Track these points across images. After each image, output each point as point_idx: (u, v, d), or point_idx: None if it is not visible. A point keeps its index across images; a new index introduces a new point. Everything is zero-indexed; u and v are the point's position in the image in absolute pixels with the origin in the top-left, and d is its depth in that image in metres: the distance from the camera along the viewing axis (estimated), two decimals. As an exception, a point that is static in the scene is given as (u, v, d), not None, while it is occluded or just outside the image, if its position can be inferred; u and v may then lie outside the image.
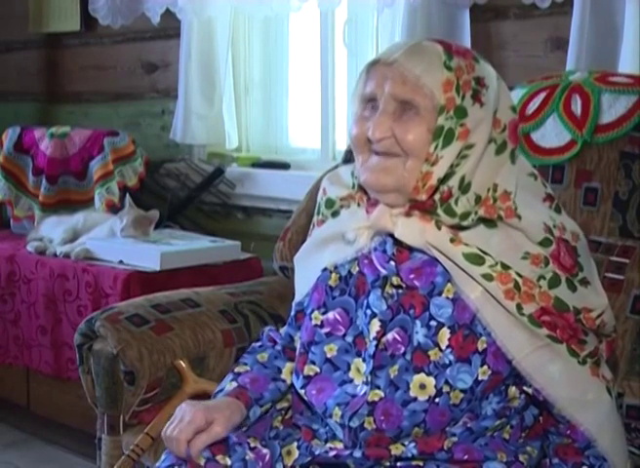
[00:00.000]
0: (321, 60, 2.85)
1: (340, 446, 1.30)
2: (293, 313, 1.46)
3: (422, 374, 1.25)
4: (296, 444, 1.33)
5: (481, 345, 1.26)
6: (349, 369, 1.31)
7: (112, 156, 3.03)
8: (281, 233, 2.12)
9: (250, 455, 1.31)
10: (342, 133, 2.85)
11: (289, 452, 1.33)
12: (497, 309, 1.26)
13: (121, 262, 2.59)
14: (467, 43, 2.33)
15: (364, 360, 1.30)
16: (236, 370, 1.44)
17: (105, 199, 3.01)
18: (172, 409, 1.62)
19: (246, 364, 1.45)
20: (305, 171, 2.88)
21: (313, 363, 1.34)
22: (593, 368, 1.29)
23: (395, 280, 1.29)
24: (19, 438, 2.92)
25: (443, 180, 1.25)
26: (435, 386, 1.25)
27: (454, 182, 1.25)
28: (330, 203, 1.42)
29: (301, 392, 1.35)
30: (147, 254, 2.55)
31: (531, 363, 1.26)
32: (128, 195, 2.77)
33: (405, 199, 1.28)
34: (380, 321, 1.28)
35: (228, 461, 1.29)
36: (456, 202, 1.26)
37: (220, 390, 1.40)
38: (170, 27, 3.13)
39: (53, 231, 2.90)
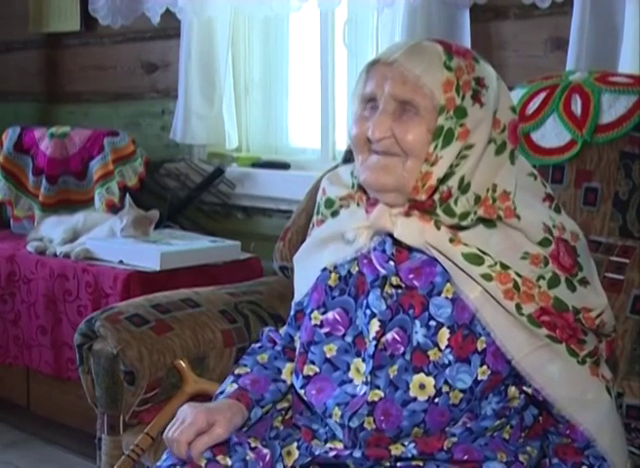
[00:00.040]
0: (321, 60, 2.85)
1: (339, 446, 1.30)
2: (292, 313, 1.46)
3: (422, 374, 1.25)
4: (296, 444, 1.33)
5: (480, 345, 1.26)
6: (349, 369, 1.31)
7: (112, 156, 3.03)
8: (281, 233, 2.12)
9: (250, 455, 1.31)
10: (342, 133, 2.85)
11: (289, 453, 1.33)
12: (496, 309, 1.26)
13: (121, 262, 2.59)
14: (467, 43, 2.33)
15: (363, 360, 1.30)
16: (236, 371, 1.43)
17: (105, 199, 3.01)
18: (172, 410, 1.63)
19: (246, 365, 1.45)
20: (305, 171, 2.88)
21: (313, 363, 1.34)
22: (593, 367, 1.29)
23: (394, 280, 1.29)
24: (19, 438, 2.92)
25: (442, 180, 1.25)
26: (435, 386, 1.25)
27: (453, 182, 1.25)
28: (329, 203, 1.42)
29: (301, 392, 1.35)
30: (147, 254, 2.55)
31: (530, 363, 1.26)
32: (128, 195, 2.77)
33: (404, 199, 1.28)
34: (380, 321, 1.28)
35: (229, 461, 1.29)
36: (455, 202, 1.26)
37: (221, 392, 1.40)
38: (170, 27, 3.13)
39: (53, 231, 2.90)
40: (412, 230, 1.28)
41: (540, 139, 1.77)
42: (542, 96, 1.79)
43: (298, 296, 1.45)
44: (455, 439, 1.27)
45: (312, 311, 1.36)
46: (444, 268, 1.27)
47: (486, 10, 2.39)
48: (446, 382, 1.25)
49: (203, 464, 1.28)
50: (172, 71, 3.21)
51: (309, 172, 2.79)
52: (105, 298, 2.54)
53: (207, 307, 1.90)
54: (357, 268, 1.34)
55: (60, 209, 3.09)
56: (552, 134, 1.76)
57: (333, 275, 1.36)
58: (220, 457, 1.29)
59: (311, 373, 1.34)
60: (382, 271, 1.30)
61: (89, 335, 1.80)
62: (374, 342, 1.28)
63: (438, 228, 1.27)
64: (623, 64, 2.09)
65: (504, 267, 1.26)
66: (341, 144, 2.84)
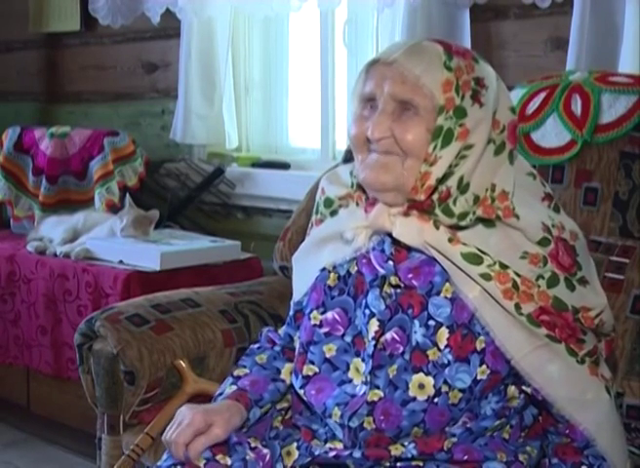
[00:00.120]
0: (321, 60, 2.85)
1: (339, 446, 1.30)
2: (292, 313, 1.46)
3: (421, 374, 1.25)
4: (295, 444, 1.33)
5: (480, 345, 1.26)
6: (348, 368, 1.31)
7: (112, 156, 3.03)
8: (281, 233, 2.12)
9: (250, 455, 1.31)
10: (342, 133, 2.85)
11: (289, 453, 1.33)
12: (495, 309, 1.25)
13: (121, 262, 2.59)
14: (467, 43, 2.34)
15: (363, 360, 1.30)
16: (235, 373, 1.43)
17: (105, 199, 3.01)
18: (172, 410, 1.63)
19: (245, 366, 1.44)
20: (305, 171, 2.88)
21: (312, 363, 1.34)
22: (592, 367, 1.29)
23: (393, 279, 1.29)
24: (19, 438, 2.92)
25: (442, 180, 1.25)
26: (434, 386, 1.25)
27: (452, 182, 1.25)
28: (328, 202, 1.42)
29: (301, 392, 1.35)
30: (147, 254, 2.56)
31: (530, 362, 1.26)
32: (128, 195, 2.77)
33: (403, 198, 1.28)
34: (379, 320, 1.28)
35: (229, 461, 1.29)
36: (454, 202, 1.26)
37: (220, 394, 1.40)
38: (170, 27, 3.13)
39: (53, 231, 2.90)
40: (411, 230, 1.27)
41: (541, 139, 1.77)
42: (542, 95, 1.80)
43: (297, 296, 1.45)
44: (455, 439, 1.27)
45: (311, 311, 1.36)
46: (443, 268, 1.27)
47: (486, 10, 2.39)
48: (445, 382, 1.25)
49: (202, 464, 1.28)
50: (172, 71, 3.21)
51: (309, 172, 2.79)
52: (105, 298, 2.54)
53: (207, 307, 1.90)
54: (356, 268, 1.34)
55: (59, 209, 3.09)
56: (552, 133, 1.76)
57: (332, 275, 1.36)
58: (219, 457, 1.29)
59: (311, 373, 1.34)
60: (381, 271, 1.29)
61: (89, 335, 1.80)
62: (373, 342, 1.28)
63: (437, 228, 1.27)
64: (623, 64, 2.09)
65: (503, 267, 1.26)
66: (341, 144, 2.84)
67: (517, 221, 1.27)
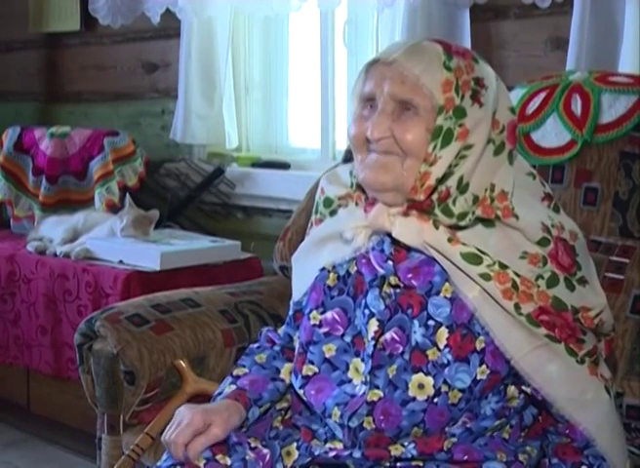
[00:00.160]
0: (321, 60, 2.85)
1: (339, 446, 1.30)
2: (291, 313, 1.46)
3: (421, 374, 1.25)
4: (295, 444, 1.33)
5: (479, 345, 1.26)
6: (348, 368, 1.31)
7: (112, 156, 3.03)
8: (281, 233, 2.12)
9: (250, 455, 1.31)
10: (342, 133, 2.85)
11: (288, 453, 1.33)
12: (495, 309, 1.25)
13: (121, 262, 2.59)
14: (467, 43, 2.34)
15: (362, 360, 1.30)
16: (235, 373, 1.43)
17: (105, 199, 3.01)
18: (172, 409, 1.63)
19: (244, 366, 1.44)
20: (305, 171, 2.88)
21: (312, 363, 1.34)
22: (592, 367, 1.29)
23: (393, 279, 1.29)
24: (19, 438, 2.92)
25: (441, 180, 1.25)
26: (434, 386, 1.25)
27: (452, 182, 1.25)
28: (328, 202, 1.42)
29: (300, 392, 1.35)
30: (147, 254, 2.56)
31: (529, 362, 1.26)
32: (128, 195, 2.77)
33: (403, 198, 1.28)
34: (379, 320, 1.28)
35: (228, 461, 1.29)
36: (453, 202, 1.26)
37: (220, 394, 1.40)
38: (170, 27, 3.13)
39: (53, 231, 2.90)
40: (410, 230, 1.27)
41: (541, 139, 1.77)
42: (542, 95, 1.80)
43: (296, 296, 1.44)
44: (454, 439, 1.27)
45: (311, 311, 1.36)
46: (442, 268, 1.27)
47: (486, 10, 2.39)
48: (445, 382, 1.25)
49: (202, 464, 1.28)
50: (172, 71, 3.21)
51: (309, 172, 2.79)
52: (105, 298, 2.54)
53: (207, 307, 1.90)
54: (356, 268, 1.34)
55: (59, 209, 3.09)
56: (552, 133, 1.76)
57: (331, 275, 1.36)
58: (219, 457, 1.29)
59: (310, 373, 1.34)
60: (381, 271, 1.29)
61: (89, 335, 1.80)
62: (372, 342, 1.28)
63: (437, 228, 1.27)
64: (623, 64, 2.09)
65: (503, 267, 1.26)
66: (341, 144, 2.84)
67: (517, 221, 1.27)
